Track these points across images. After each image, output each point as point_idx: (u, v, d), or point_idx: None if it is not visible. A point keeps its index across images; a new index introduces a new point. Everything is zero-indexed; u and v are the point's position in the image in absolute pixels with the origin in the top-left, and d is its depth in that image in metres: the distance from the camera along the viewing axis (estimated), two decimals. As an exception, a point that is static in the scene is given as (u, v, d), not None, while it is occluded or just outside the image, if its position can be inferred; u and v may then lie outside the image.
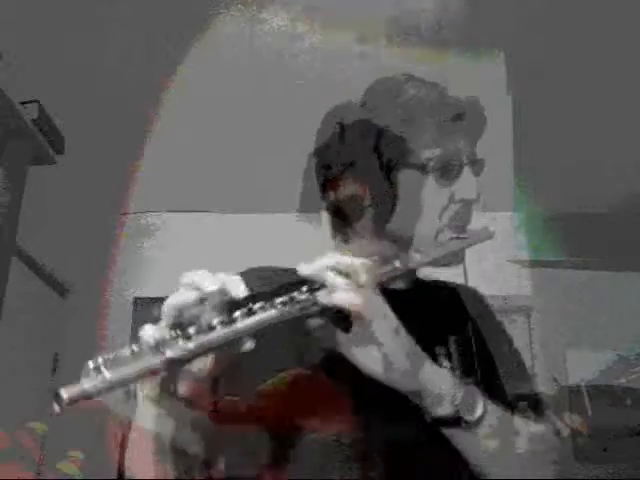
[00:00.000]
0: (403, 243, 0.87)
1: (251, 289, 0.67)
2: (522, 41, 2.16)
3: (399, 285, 0.90)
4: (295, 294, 0.70)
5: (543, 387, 3.04)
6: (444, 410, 0.74)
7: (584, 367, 3.06)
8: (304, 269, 0.72)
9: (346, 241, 0.92)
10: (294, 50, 2.24)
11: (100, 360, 0.59)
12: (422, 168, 0.85)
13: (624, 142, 2.60)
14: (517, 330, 3.16)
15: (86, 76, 2.24)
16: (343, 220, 0.91)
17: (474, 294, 0.98)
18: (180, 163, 2.82)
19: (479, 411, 0.75)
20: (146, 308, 3.13)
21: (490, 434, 0.76)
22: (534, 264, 3.18)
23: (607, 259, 3.12)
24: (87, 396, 0.57)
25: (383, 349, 0.71)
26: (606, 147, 2.64)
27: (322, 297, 0.70)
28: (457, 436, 0.76)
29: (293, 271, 0.88)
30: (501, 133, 2.53)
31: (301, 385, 0.80)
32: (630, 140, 2.58)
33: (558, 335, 3.10)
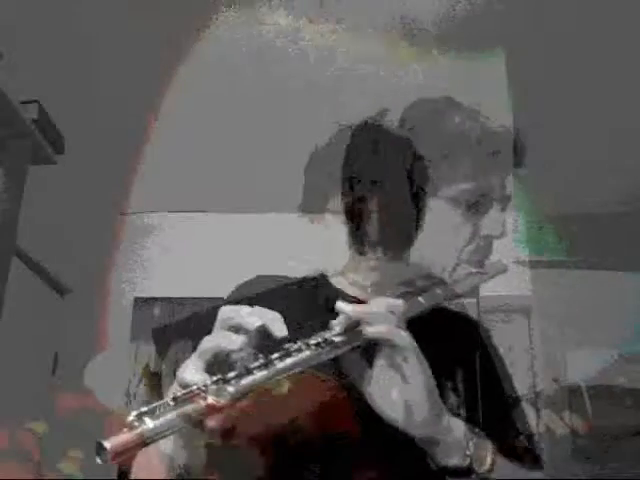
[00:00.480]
0: (420, 270, 0.86)
1: (256, 294, 0.67)
2: (522, 41, 2.16)
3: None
4: (328, 335, 0.68)
5: (543, 387, 3.04)
6: (455, 461, 0.72)
7: (584, 367, 3.06)
8: (344, 307, 0.69)
9: (361, 253, 0.90)
10: (294, 50, 2.24)
11: (143, 409, 0.58)
12: (453, 201, 0.84)
13: (624, 142, 2.60)
14: (517, 330, 3.16)
15: (86, 76, 2.24)
16: (362, 234, 0.89)
17: (484, 328, 0.97)
18: (180, 163, 2.83)
19: (489, 463, 0.73)
20: (146, 308, 3.13)
21: None
22: (534, 264, 3.18)
23: (607, 259, 3.12)
24: (131, 448, 0.56)
25: (409, 390, 0.69)
26: (606, 147, 2.64)
27: (364, 330, 0.69)
28: None
29: (299, 281, 0.87)
30: (501, 133, 2.53)
31: (304, 388, 0.80)
32: (630, 140, 2.58)
33: (558, 335, 3.10)
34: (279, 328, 0.65)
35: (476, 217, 0.85)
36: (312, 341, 0.67)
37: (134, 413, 0.57)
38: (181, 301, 3.07)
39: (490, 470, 0.73)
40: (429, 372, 0.71)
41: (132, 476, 0.73)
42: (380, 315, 0.69)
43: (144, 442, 0.56)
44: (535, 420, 2.95)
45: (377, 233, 0.86)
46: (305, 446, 0.78)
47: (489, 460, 0.73)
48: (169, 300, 3.04)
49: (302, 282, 0.91)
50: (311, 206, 0.95)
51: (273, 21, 2.14)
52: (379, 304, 0.71)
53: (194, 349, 0.65)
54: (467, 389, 0.84)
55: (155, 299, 3.14)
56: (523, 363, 3.07)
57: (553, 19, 2.05)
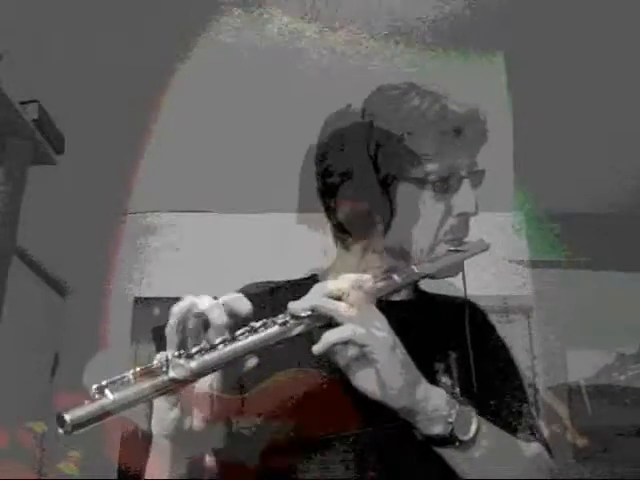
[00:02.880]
0: (401, 255, 0.87)
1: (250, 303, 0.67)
2: (522, 41, 2.16)
3: (400, 296, 0.90)
4: (297, 312, 0.70)
5: (543, 387, 3.04)
6: (437, 429, 0.73)
7: (584, 367, 3.06)
8: (294, 307, 0.70)
9: (347, 248, 0.92)
10: (295, 50, 2.24)
11: (103, 382, 0.58)
12: (421, 182, 0.84)
13: (624, 142, 2.60)
14: (517, 330, 3.16)
15: (86, 76, 2.24)
16: (342, 229, 0.91)
17: (475, 308, 0.97)
18: (180, 163, 2.82)
19: (473, 430, 0.74)
20: (146, 308, 3.13)
21: (484, 453, 0.75)
22: (534, 264, 3.18)
23: (607, 259, 3.12)
24: (91, 419, 0.56)
25: (378, 366, 0.71)
26: (606, 147, 2.64)
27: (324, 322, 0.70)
28: (450, 455, 0.75)
29: (291, 284, 0.88)
30: (501, 133, 2.52)
31: (299, 385, 0.80)
32: (630, 140, 2.58)
33: (558, 335, 3.10)
34: (242, 304, 0.66)
35: (447, 196, 0.86)
36: (279, 319, 0.68)
37: (95, 386, 0.58)
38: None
39: (474, 437, 0.74)
40: (395, 344, 0.72)
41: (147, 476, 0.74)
42: (343, 317, 0.70)
43: (104, 414, 0.56)
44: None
45: (355, 226, 0.88)
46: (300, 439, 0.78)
47: (473, 428, 0.74)
48: (169, 300, 3.04)
49: (293, 284, 0.93)
50: (307, 205, 0.96)
51: (274, 21, 2.14)
52: (346, 281, 0.72)
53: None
54: (460, 369, 0.85)
55: (155, 299, 3.14)
56: (523, 363, 3.07)
57: (553, 20, 2.05)
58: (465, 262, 0.88)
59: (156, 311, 3.13)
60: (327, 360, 0.75)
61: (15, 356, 2.43)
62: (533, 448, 0.84)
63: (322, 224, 0.95)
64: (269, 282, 0.94)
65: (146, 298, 3.15)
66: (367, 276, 0.75)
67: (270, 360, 0.73)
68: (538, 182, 2.84)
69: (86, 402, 0.57)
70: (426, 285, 0.94)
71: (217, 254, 3.07)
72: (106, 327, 2.91)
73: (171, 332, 0.65)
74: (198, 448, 0.70)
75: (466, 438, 0.73)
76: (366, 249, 0.90)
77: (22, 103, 2.07)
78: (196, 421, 0.66)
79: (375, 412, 0.77)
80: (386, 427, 0.79)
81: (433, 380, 0.78)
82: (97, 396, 0.57)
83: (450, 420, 0.73)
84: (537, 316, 3.17)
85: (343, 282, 0.73)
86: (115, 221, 3.24)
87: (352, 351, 0.72)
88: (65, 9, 1.98)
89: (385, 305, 0.75)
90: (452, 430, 0.73)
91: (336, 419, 0.80)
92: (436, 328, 0.88)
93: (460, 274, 0.89)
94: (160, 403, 0.65)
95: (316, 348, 0.70)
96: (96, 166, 2.64)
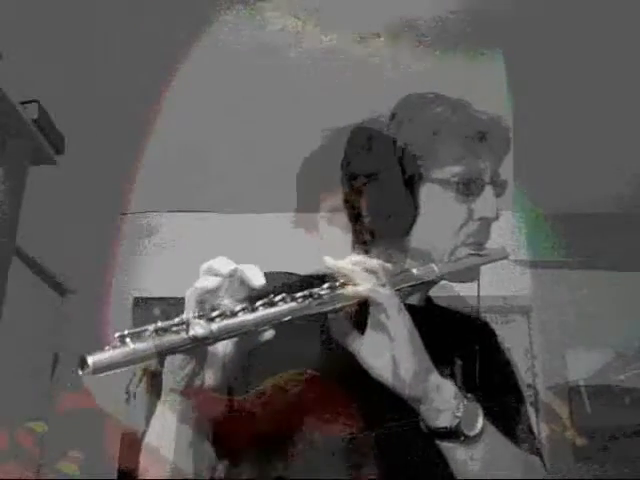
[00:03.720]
0: (421, 256, 0.88)
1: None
2: (522, 41, 2.16)
3: (412, 300, 0.90)
4: (315, 289, 0.70)
5: (542, 386, 3.04)
6: (444, 421, 0.73)
7: (584, 367, 3.06)
8: (330, 262, 0.73)
9: (366, 251, 0.93)
10: (295, 51, 2.24)
11: (125, 332, 0.60)
12: (444, 183, 0.87)
13: (624, 142, 2.60)
14: (517, 330, 3.16)
15: (86, 76, 2.24)
16: (364, 230, 0.92)
17: (485, 326, 0.98)
18: (180, 163, 2.83)
19: (479, 427, 0.74)
20: (146, 308, 3.13)
21: (486, 453, 0.75)
22: (534, 264, 3.18)
23: (607, 259, 3.12)
24: (111, 365, 0.58)
25: (394, 346, 0.71)
26: (606, 147, 2.64)
27: (346, 290, 0.71)
28: (452, 451, 0.75)
29: (308, 277, 0.88)
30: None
31: (304, 385, 0.80)
32: (630, 140, 2.58)
33: (558, 335, 3.10)
34: (255, 275, 0.67)
35: (469, 199, 0.88)
36: (298, 294, 0.69)
37: (118, 334, 0.60)
38: (181, 301, 3.06)
39: (479, 434, 0.74)
40: (414, 330, 0.73)
41: (147, 438, 0.74)
42: (361, 275, 0.72)
43: (124, 362, 0.58)
44: (535, 420, 2.95)
45: (379, 227, 0.89)
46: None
47: (479, 424, 0.74)
48: (169, 300, 3.04)
49: (310, 278, 0.93)
50: (307, 206, 0.97)
51: (274, 21, 2.14)
52: (357, 261, 0.74)
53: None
54: (464, 378, 0.85)
55: (155, 299, 3.14)
56: (523, 363, 3.07)
57: (553, 20, 2.05)
58: (480, 279, 0.89)
59: (156, 311, 3.13)
60: (331, 358, 0.75)
61: (15, 356, 2.43)
62: (531, 459, 0.86)
63: (322, 224, 0.95)
64: (283, 273, 0.95)
65: (146, 298, 3.15)
66: (377, 260, 0.76)
67: (271, 360, 0.73)
68: (538, 182, 2.84)
69: (106, 348, 0.58)
70: (438, 296, 0.95)
71: (217, 254, 3.06)
72: (106, 327, 2.91)
73: (191, 299, 0.67)
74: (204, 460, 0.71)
75: (471, 433, 0.74)
76: (388, 250, 0.91)
77: (22, 103, 2.07)
78: (208, 379, 0.67)
79: (377, 413, 0.78)
80: (389, 427, 0.79)
81: None
82: (118, 344, 0.59)
83: (457, 414, 0.73)
84: (537, 316, 3.17)
85: (374, 260, 0.75)
86: (115, 221, 3.24)
87: (371, 326, 0.72)
88: (65, 9, 1.98)
89: None
90: (458, 424, 0.73)
91: (337, 421, 0.80)
92: (444, 334, 0.89)
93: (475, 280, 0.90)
94: (174, 358, 0.66)
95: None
96: (96, 166, 2.64)
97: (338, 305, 0.71)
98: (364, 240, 0.93)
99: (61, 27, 2.05)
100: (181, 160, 2.81)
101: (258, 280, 0.67)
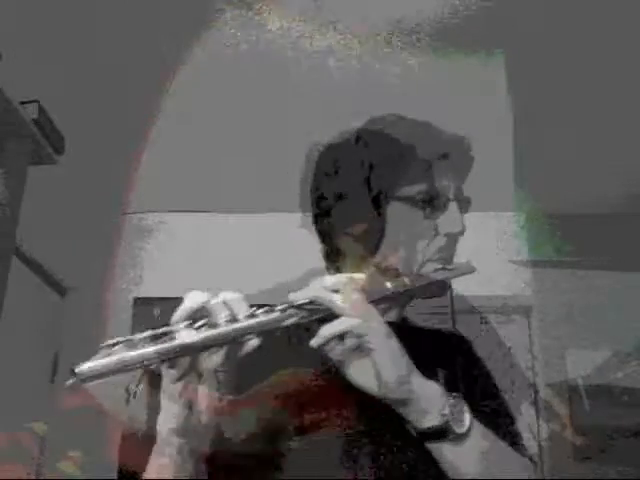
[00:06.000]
0: (390, 273, 0.89)
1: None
2: (522, 42, 2.16)
3: (389, 318, 0.91)
4: (295, 302, 0.73)
5: (542, 386, 3.04)
6: (431, 421, 0.74)
7: (583, 366, 3.06)
8: (294, 296, 0.74)
9: (338, 270, 0.95)
10: (295, 51, 2.24)
11: (113, 341, 0.62)
12: (410, 201, 0.89)
13: (624, 142, 2.60)
14: (517, 330, 3.16)
15: (86, 76, 2.24)
16: (335, 251, 0.95)
17: (462, 339, 1.01)
18: (180, 163, 2.83)
19: (467, 424, 0.75)
20: (146, 308, 3.13)
21: (476, 450, 0.76)
22: (534, 264, 3.18)
23: (607, 259, 3.12)
24: (99, 374, 0.60)
25: (375, 356, 0.72)
26: (606, 147, 2.64)
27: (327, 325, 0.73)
28: (442, 451, 0.75)
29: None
30: (501, 133, 2.53)
31: (297, 384, 0.81)
32: (630, 140, 2.58)
33: (558, 335, 3.10)
34: (240, 307, 0.69)
35: (434, 215, 0.90)
36: (279, 306, 0.72)
37: (107, 342, 0.62)
38: (181, 301, 3.06)
39: (468, 431, 0.75)
40: (392, 335, 0.75)
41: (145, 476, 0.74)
42: (340, 307, 0.73)
43: (111, 370, 0.61)
44: (535, 420, 2.95)
45: (348, 247, 0.92)
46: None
47: (467, 421, 0.75)
48: (169, 300, 3.04)
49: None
50: (307, 206, 0.99)
51: (273, 22, 2.14)
52: (342, 276, 0.77)
53: None
54: (448, 386, 0.85)
55: (155, 299, 3.14)
56: (523, 363, 3.07)
57: (553, 20, 2.06)
58: (452, 294, 0.90)
59: (156, 311, 3.13)
60: (322, 360, 0.75)
61: (15, 356, 2.43)
62: (521, 457, 0.87)
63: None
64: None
65: (146, 298, 3.15)
66: (362, 275, 0.79)
67: (264, 362, 0.74)
68: (538, 182, 2.85)
69: (95, 356, 0.61)
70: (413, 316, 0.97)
71: (217, 254, 3.07)
72: (106, 327, 2.91)
73: (179, 315, 0.68)
74: (205, 445, 0.71)
75: (460, 431, 0.74)
76: (358, 269, 0.92)
77: (22, 103, 2.07)
78: (202, 417, 0.68)
79: (370, 413, 0.78)
80: (381, 428, 0.80)
81: None
82: (107, 352, 0.61)
83: (444, 412, 0.74)
84: (537, 316, 3.17)
85: (340, 277, 0.77)
86: (115, 221, 3.24)
87: (349, 343, 0.74)
88: (65, 9, 1.98)
89: None
90: (446, 422, 0.74)
91: (331, 420, 0.81)
92: (423, 350, 0.89)
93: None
94: (167, 397, 0.68)
95: (314, 341, 0.72)
96: (96, 166, 2.64)
97: (318, 316, 0.73)
98: (335, 260, 0.95)
99: (61, 27, 2.05)
100: (181, 160, 2.81)
101: (243, 311, 0.69)
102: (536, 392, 3.01)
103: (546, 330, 3.13)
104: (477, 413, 0.81)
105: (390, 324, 0.86)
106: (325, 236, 0.95)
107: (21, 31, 2.02)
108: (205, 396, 0.68)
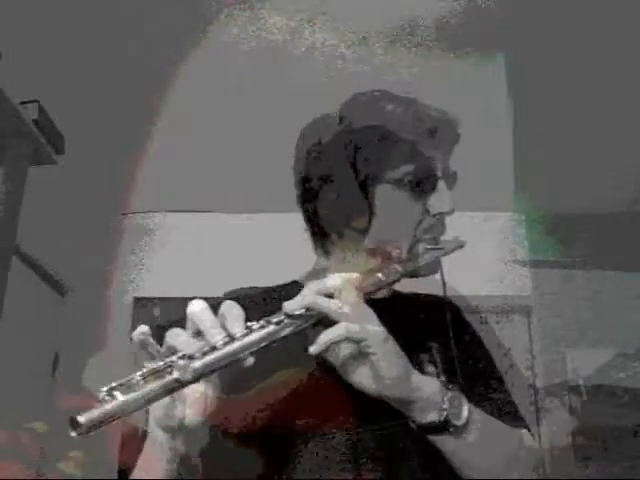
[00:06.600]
0: (381, 255, 0.89)
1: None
2: (522, 43, 2.16)
3: (377, 295, 0.91)
4: (289, 311, 0.72)
5: (542, 386, 3.04)
6: (432, 417, 0.75)
7: (584, 366, 3.06)
8: (289, 306, 0.72)
9: (327, 253, 0.95)
10: (295, 51, 2.24)
11: (113, 384, 0.60)
12: (398, 183, 0.88)
13: (624, 142, 2.60)
14: (517, 330, 3.16)
15: (86, 76, 2.24)
16: (322, 234, 0.93)
17: (450, 304, 0.99)
18: (180, 163, 2.82)
19: (465, 415, 0.76)
20: (146, 308, 3.13)
21: (477, 437, 0.77)
22: (534, 264, 3.18)
23: (606, 259, 3.12)
24: (103, 421, 0.57)
25: (374, 359, 0.73)
26: (606, 147, 2.64)
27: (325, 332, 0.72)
28: (444, 442, 0.77)
29: (279, 288, 0.89)
30: (501, 133, 2.53)
31: (298, 385, 0.81)
32: (630, 140, 2.58)
33: (558, 335, 3.10)
34: (237, 321, 0.67)
35: (423, 196, 0.89)
36: (274, 319, 0.70)
37: (105, 388, 0.60)
38: (181, 301, 3.06)
39: (467, 422, 0.76)
40: (388, 336, 0.74)
41: (133, 476, 0.74)
42: (337, 314, 0.72)
43: (116, 416, 0.58)
44: (535, 420, 2.95)
45: (335, 229, 0.91)
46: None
47: (465, 413, 0.77)
48: (169, 300, 3.04)
49: (276, 290, 0.95)
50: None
51: (274, 22, 2.14)
52: (336, 279, 0.75)
53: None
54: (443, 358, 0.88)
55: (155, 299, 3.14)
56: (523, 363, 3.07)
57: (553, 21, 2.06)
58: (465, 262, 0.89)
59: (156, 311, 3.13)
60: (322, 359, 0.75)
61: (15, 356, 2.43)
62: (518, 433, 0.88)
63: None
64: (252, 288, 0.95)
65: (146, 298, 3.16)
66: (355, 274, 0.78)
67: (263, 363, 0.74)
68: (538, 182, 2.84)
69: (97, 405, 0.58)
70: (403, 285, 0.96)
71: (217, 254, 3.07)
72: (106, 327, 2.91)
73: (170, 343, 0.67)
74: (194, 444, 0.70)
75: (459, 423, 0.76)
76: (347, 251, 0.91)
77: (22, 103, 2.07)
78: (192, 415, 0.67)
79: (371, 412, 0.79)
80: (382, 427, 0.80)
81: (420, 371, 0.80)
82: (107, 398, 0.59)
83: (444, 407, 0.75)
84: (537, 316, 3.17)
85: (334, 280, 0.75)
86: (115, 221, 3.24)
87: (348, 348, 0.74)
88: (65, 9, 1.98)
89: (367, 304, 0.76)
90: (446, 416, 0.75)
91: (331, 420, 0.81)
92: (415, 323, 0.91)
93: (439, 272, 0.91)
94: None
95: (313, 349, 0.71)
96: (96, 166, 2.64)
97: (314, 321, 0.73)
98: (323, 243, 0.94)
99: (61, 27, 2.05)
100: (181, 160, 2.81)
101: (238, 325, 0.67)
102: (536, 392, 3.01)
103: (546, 330, 3.13)
104: (471, 381, 0.84)
105: (381, 300, 0.87)
106: (311, 217, 0.93)
107: (21, 31, 2.02)
108: (195, 393, 0.66)
